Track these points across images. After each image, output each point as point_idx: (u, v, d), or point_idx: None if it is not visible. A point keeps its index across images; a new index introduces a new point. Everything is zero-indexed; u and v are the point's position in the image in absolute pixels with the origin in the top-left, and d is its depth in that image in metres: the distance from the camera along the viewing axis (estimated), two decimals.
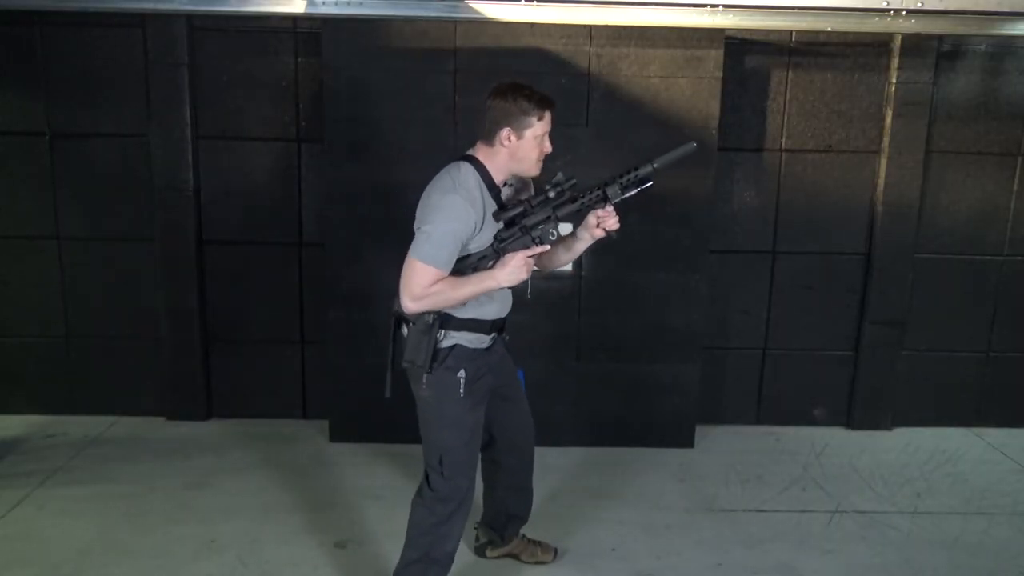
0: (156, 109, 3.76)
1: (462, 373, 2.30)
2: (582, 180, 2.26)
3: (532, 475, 2.75)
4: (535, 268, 2.31)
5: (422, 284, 2.17)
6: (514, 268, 2.21)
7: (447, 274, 2.21)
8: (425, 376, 2.28)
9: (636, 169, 2.22)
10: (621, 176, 2.23)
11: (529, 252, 2.24)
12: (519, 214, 2.25)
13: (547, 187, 2.24)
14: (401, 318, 2.34)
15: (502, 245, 2.26)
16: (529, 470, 2.73)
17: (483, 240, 2.26)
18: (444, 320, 2.27)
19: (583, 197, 2.25)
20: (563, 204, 2.25)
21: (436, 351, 2.28)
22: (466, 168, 2.26)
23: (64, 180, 3.88)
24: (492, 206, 2.27)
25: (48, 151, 3.85)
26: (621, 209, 2.30)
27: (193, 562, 2.83)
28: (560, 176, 2.24)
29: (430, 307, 2.22)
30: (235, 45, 3.76)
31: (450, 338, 2.30)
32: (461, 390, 2.30)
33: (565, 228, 2.38)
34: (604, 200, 2.25)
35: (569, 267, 3.70)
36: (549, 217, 2.25)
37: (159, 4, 3.30)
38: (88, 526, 3.04)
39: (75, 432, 3.86)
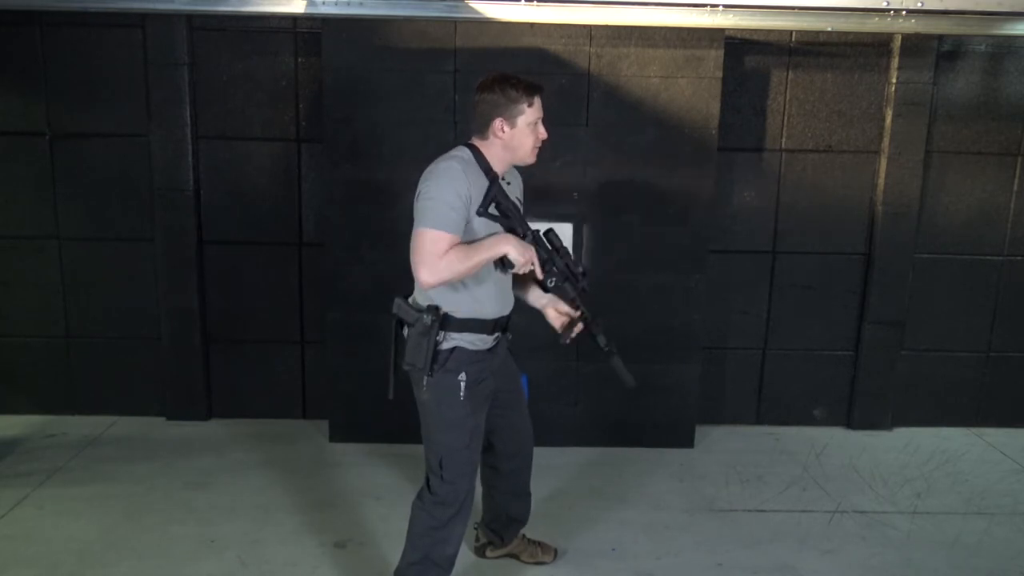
0: (156, 109, 3.76)
1: (463, 376, 2.29)
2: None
3: (530, 479, 2.75)
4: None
5: (435, 252, 2.11)
6: (524, 244, 2.24)
7: (459, 239, 2.16)
8: (425, 379, 2.27)
9: (604, 335, 2.45)
10: (598, 322, 2.45)
11: (533, 256, 2.25)
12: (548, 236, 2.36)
13: (577, 268, 2.40)
14: (402, 320, 2.33)
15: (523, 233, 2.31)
16: (528, 475, 2.73)
17: (473, 229, 2.21)
18: (444, 321, 2.26)
19: (573, 295, 2.41)
20: (563, 277, 2.36)
21: (436, 353, 2.27)
22: (461, 148, 2.30)
23: (64, 180, 3.88)
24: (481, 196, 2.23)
25: (48, 151, 3.85)
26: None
27: (193, 562, 2.83)
28: (581, 268, 2.42)
29: (447, 277, 2.13)
30: (235, 45, 3.76)
31: (450, 340, 2.29)
32: (461, 393, 2.29)
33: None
34: (582, 320, 2.44)
35: None
36: (551, 259, 2.33)
37: (159, 4, 3.31)
38: (88, 526, 3.05)
39: (75, 432, 3.86)
